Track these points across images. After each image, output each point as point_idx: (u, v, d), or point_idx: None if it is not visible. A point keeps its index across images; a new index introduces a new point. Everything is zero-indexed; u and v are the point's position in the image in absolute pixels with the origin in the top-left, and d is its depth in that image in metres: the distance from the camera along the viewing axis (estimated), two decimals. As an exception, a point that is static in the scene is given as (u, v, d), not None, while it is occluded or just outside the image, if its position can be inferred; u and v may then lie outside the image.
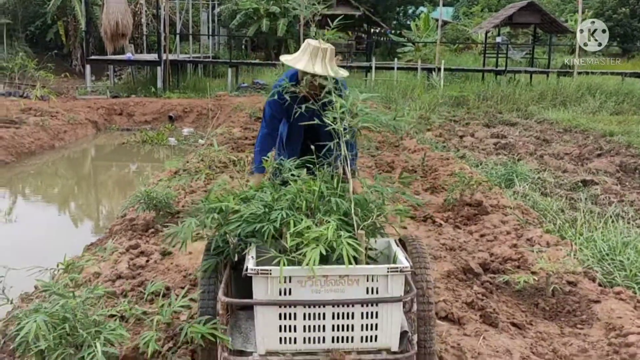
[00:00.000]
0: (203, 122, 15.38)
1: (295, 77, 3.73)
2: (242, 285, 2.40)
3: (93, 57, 20.63)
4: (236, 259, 2.44)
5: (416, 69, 21.93)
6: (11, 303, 2.25)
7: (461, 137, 12.05)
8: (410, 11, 45.75)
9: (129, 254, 4.18)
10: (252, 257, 2.26)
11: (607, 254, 4.63)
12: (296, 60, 3.56)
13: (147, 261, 4.10)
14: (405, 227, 5.05)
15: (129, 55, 20.47)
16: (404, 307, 2.42)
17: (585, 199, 7.06)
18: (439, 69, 20.53)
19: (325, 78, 3.25)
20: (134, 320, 2.63)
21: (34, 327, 1.93)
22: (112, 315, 2.25)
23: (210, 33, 27.80)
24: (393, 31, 36.42)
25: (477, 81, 20.95)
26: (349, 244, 2.06)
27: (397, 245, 2.49)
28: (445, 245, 4.63)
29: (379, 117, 2.45)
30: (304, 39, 15.49)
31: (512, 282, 3.82)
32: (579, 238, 5.02)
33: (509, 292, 3.82)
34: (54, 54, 23.40)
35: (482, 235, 4.93)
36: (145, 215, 5.12)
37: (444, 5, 43.73)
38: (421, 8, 42.87)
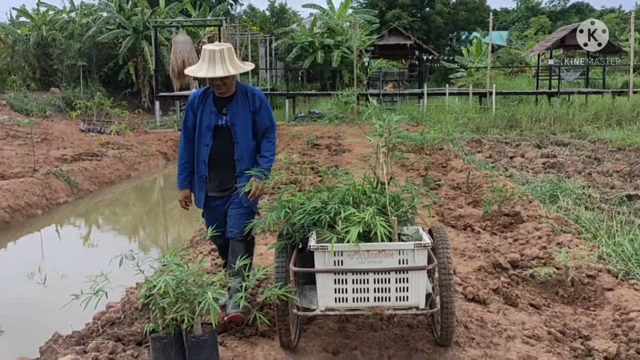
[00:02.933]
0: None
1: (209, 88, 4.00)
2: (305, 263, 3.17)
3: (161, 93, 22.19)
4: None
5: (468, 93, 22.46)
6: (143, 272, 3.09)
7: (511, 157, 12.41)
8: (463, 37, 46.30)
9: (210, 256, 5.04)
10: (314, 238, 3.04)
11: (633, 255, 5.12)
12: (197, 69, 3.83)
13: (226, 262, 4.94)
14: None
15: (194, 90, 21.94)
16: (428, 275, 3.13)
17: (629, 212, 7.36)
18: (491, 93, 20.99)
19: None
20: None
21: (164, 284, 2.75)
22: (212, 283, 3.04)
23: (268, 66, 29.22)
24: (445, 57, 36.97)
25: (530, 104, 21.20)
26: (381, 225, 2.80)
27: (423, 231, 3.20)
28: (480, 248, 5.26)
29: (409, 134, 3.19)
30: (357, 69, 16.41)
31: (536, 275, 4.42)
32: (608, 242, 5.50)
33: (533, 283, 4.42)
34: (127, 92, 25.25)
35: (515, 240, 5.53)
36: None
37: (497, 29, 44.02)
38: (474, 33, 43.34)
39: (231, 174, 3.90)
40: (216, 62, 3.70)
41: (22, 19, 27.71)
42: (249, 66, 4.05)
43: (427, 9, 44.76)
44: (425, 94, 21.91)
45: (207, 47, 3.77)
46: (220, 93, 3.88)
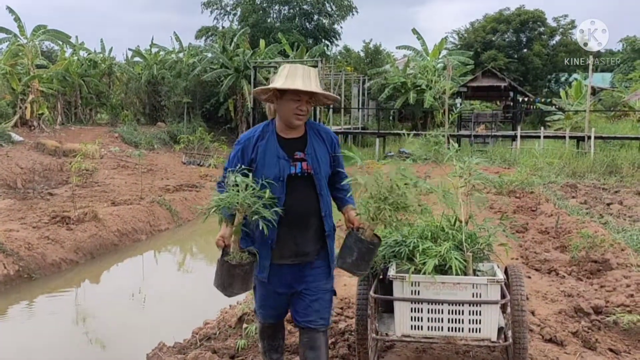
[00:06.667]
0: (352, 187, 16.72)
1: (268, 126, 3.17)
2: (384, 292, 3.43)
3: (258, 130, 23.24)
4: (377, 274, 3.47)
5: (564, 137, 21.83)
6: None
7: (608, 204, 11.97)
8: (562, 79, 45.04)
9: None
10: (393, 268, 3.30)
11: None
12: (289, 82, 2.97)
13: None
14: (529, 277, 5.74)
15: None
16: (502, 311, 3.29)
17: None
18: (589, 137, 20.31)
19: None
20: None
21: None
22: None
23: (360, 106, 29.86)
24: (543, 99, 36.09)
25: (634, 149, 20.30)
26: (456, 258, 3.02)
27: (498, 267, 3.37)
28: (563, 292, 5.24)
29: (487, 176, 3.40)
30: (449, 109, 16.37)
31: (619, 322, 4.39)
32: None
33: (616, 330, 4.38)
34: (226, 128, 26.65)
35: (601, 287, 5.45)
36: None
37: (601, 71, 42.40)
38: (574, 75, 42.08)
39: (312, 235, 3.08)
40: (311, 78, 3.00)
41: (136, 58, 30.16)
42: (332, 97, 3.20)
43: (525, 50, 44.11)
44: (519, 137, 21.55)
45: (288, 65, 3.09)
46: (297, 125, 3.08)
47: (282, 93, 3.01)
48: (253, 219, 2.78)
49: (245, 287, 2.84)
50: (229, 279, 2.78)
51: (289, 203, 2.99)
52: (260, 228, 2.77)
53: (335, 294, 3.25)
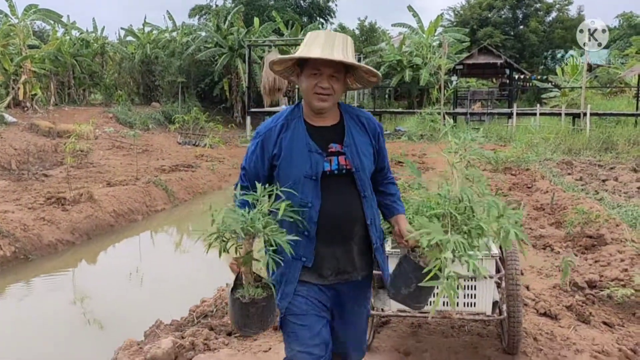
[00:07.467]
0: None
1: (293, 112, 2.50)
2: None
3: (253, 109, 23.19)
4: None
5: (560, 114, 21.84)
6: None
7: (603, 180, 12.03)
8: (558, 55, 44.86)
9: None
10: (388, 244, 3.31)
11: None
12: (306, 50, 2.35)
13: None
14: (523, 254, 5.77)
15: (283, 107, 22.86)
16: (497, 285, 3.31)
17: None
18: (585, 114, 20.32)
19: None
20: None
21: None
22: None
23: (356, 84, 29.69)
24: (539, 76, 35.99)
25: (629, 125, 20.35)
26: (452, 233, 3.03)
27: (493, 243, 3.38)
28: (558, 267, 5.29)
29: (483, 151, 3.38)
30: (445, 87, 16.45)
31: (613, 295, 4.43)
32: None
33: (610, 304, 4.44)
34: (221, 107, 26.53)
35: (596, 261, 5.50)
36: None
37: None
38: (570, 52, 41.90)
39: (355, 247, 2.46)
40: (335, 45, 2.35)
41: (129, 38, 29.87)
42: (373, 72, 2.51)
43: (521, 27, 43.85)
44: (515, 114, 21.54)
45: (315, 31, 2.47)
46: (318, 107, 2.39)
47: (302, 68, 2.41)
48: (260, 251, 2.30)
49: (265, 325, 2.34)
50: (242, 318, 2.29)
51: (325, 209, 2.36)
52: (269, 269, 2.25)
53: (370, 313, 2.74)
